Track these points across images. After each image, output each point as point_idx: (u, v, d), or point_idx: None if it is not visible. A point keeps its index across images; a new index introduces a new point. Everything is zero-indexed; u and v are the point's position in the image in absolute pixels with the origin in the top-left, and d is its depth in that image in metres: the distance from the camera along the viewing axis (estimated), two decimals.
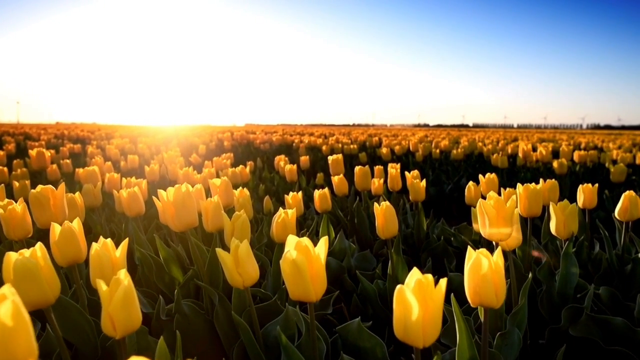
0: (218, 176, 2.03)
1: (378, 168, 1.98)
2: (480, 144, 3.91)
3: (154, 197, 1.01)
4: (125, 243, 0.69)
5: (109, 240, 0.69)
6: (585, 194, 1.32)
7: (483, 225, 0.74)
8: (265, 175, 2.89)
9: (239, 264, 0.69)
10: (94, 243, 0.67)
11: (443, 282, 0.49)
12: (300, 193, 1.30)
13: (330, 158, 1.88)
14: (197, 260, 0.92)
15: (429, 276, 0.49)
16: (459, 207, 2.85)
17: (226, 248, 0.96)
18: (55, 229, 0.78)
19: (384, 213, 0.99)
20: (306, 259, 0.58)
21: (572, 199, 1.46)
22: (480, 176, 1.56)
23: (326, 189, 1.43)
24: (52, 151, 3.61)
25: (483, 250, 0.59)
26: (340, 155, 1.89)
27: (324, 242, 0.60)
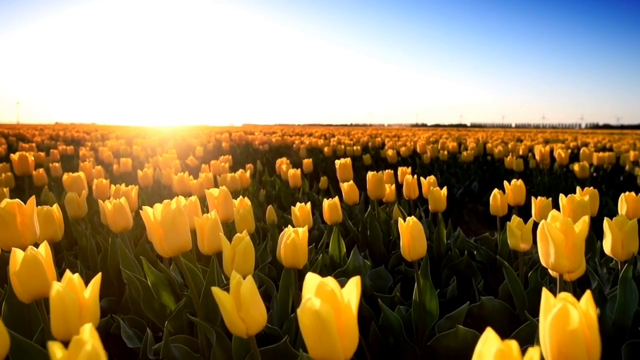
0: (216, 181, 1.88)
1: (388, 172, 1.84)
2: (490, 145, 3.76)
3: (140, 212, 0.86)
4: (97, 280, 0.54)
5: (76, 275, 0.55)
6: (629, 203, 1.17)
7: (546, 254, 0.60)
8: (265, 179, 2.74)
9: (241, 306, 0.53)
10: (54, 282, 0.52)
11: (536, 354, 0.34)
12: (309, 204, 1.15)
13: (337, 162, 1.73)
14: (190, 287, 0.78)
15: (514, 345, 0.35)
16: (470, 213, 2.71)
17: (225, 275, 0.81)
18: (17, 256, 0.64)
19: (410, 231, 0.84)
20: (333, 309, 0.43)
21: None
22: (505, 183, 1.41)
23: (336, 198, 1.28)
24: (43, 153, 3.46)
25: (568, 296, 0.44)
26: (348, 160, 1.74)
27: (355, 284, 0.45)
